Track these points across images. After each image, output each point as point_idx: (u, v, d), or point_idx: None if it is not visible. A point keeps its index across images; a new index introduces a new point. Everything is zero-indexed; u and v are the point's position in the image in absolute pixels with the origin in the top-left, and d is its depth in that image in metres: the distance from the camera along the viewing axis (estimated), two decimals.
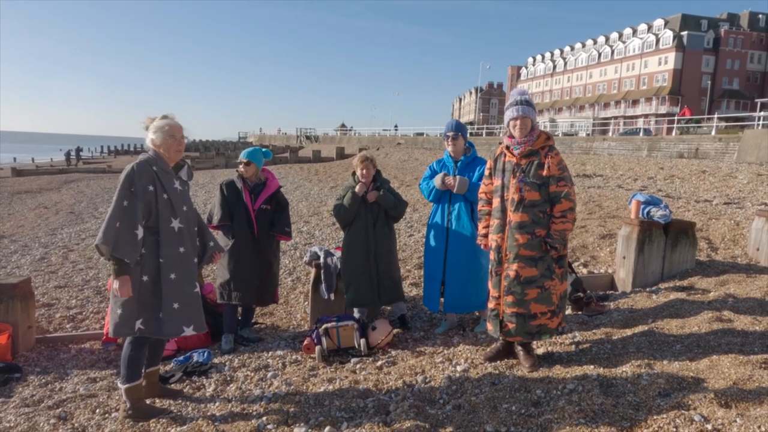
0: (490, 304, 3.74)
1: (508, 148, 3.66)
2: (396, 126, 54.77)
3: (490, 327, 3.75)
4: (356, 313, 4.91)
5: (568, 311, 5.05)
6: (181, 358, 4.32)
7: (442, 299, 4.68)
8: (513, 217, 3.57)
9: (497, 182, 3.69)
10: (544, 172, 3.51)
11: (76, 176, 28.26)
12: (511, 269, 3.56)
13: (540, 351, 3.91)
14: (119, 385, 3.39)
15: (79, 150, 48.41)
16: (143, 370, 3.45)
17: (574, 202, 3.53)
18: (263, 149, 4.95)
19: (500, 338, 3.77)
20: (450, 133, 4.58)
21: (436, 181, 4.61)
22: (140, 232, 3.13)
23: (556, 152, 3.56)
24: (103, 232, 3.05)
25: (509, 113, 3.60)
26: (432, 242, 4.71)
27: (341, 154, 36.56)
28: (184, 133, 3.35)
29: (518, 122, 3.55)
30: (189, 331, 3.31)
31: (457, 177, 4.52)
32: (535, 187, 3.52)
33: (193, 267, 3.38)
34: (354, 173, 4.92)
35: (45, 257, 8.99)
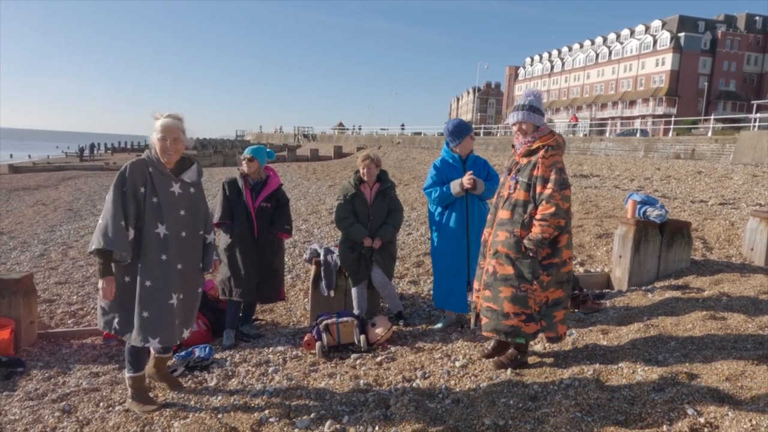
0: (473, 297, 3.74)
1: (513, 146, 3.70)
2: (403, 125, 55.73)
3: (471, 319, 3.78)
4: (356, 310, 4.97)
5: None
6: (183, 353, 4.37)
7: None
8: (500, 213, 3.57)
9: (501, 179, 3.75)
10: (535, 172, 3.44)
11: (74, 173, 28.21)
12: (490, 264, 3.55)
13: (538, 347, 3.97)
14: (125, 373, 3.46)
15: (93, 146, 53.75)
16: (149, 363, 3.51)
17: (557, 206, 3.34)
18: (267, 149, 5.00)
19: (478, 329, 3.78)
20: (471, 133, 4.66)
21: (454, 188, 4.53)
22: (131, 234, 3.10)
23: (552, 153, 3.42)
24: (95, 237, 3.07)
25: (509, 118, 3.63)
26: (451, 242, 4.66)
27: (339, 153, 36.61)
28: (180, 134, 3.16)
29: (515, 128, 3.58)
30: (154, 344, 3.18)
31: (475, 178, 4.52)
32: (524, 186, 3.45)
33: (173, 276, 3.21)
34: (357, 171, 5.00)
35: (44, 254, 9.01)
